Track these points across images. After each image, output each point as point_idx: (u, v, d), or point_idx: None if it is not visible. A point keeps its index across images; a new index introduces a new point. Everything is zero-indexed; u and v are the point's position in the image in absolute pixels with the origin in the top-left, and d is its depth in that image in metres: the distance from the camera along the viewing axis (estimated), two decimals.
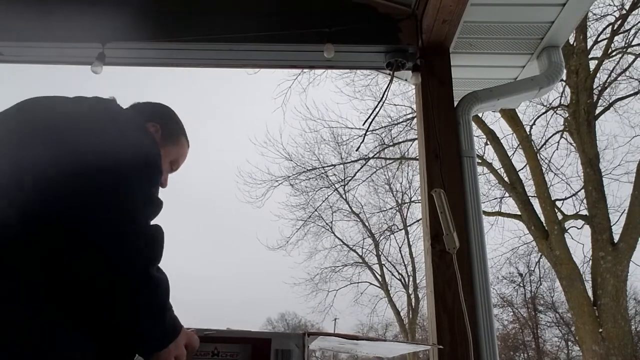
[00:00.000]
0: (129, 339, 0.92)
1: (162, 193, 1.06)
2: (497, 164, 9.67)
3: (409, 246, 17.71)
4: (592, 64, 8.68)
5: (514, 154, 9.62)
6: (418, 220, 15.00)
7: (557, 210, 8.62)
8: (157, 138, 1.23)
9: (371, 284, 18.59)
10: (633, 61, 9.16)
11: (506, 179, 9.12)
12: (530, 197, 8.78)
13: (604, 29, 8.87)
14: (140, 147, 1.01)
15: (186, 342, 0.98)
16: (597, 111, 8.73)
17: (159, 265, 0.94)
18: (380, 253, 18.11)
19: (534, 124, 9.84)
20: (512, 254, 14.48)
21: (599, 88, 8.94)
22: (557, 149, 9.81)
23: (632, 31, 8.84)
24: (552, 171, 9.77)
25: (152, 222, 0.97)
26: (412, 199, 15.79)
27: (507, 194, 9.92)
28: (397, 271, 18.67)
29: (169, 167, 1.31)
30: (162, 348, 0.92)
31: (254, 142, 18.88)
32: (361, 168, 13.11)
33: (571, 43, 8.30)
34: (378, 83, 10.77)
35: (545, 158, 9.76)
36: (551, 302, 20.22)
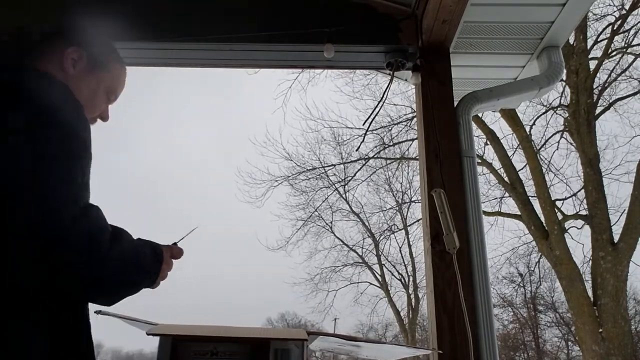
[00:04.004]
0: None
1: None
2: (497, 164, 9.69)
3: (409, 246, 17.74)
4: (592, 64, 8.69)
5: (514, 154, 9.64)
6: (418, 220, 15.01)
7: (557, 210, 8.62)
8: (81, 67, 1.06)
9: (371, 284, 18.62)
10: (633, 61, 9.18)
11: (506, 179, 9.12)
12: (530, 197, 8.79)
13: (604, 29, 8.89)
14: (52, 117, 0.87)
15: (171, 255, 1.04)
16: (597, 111, 8.74)
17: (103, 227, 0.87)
18: (380, 253, 18.13)
19: (534, 124, 9.86)
20: (512, 254, 14.46)
21: (599, 88, 8.95)
22: (557, 149, 9.84)
23: (632, 31, 8.87)
24: (552, 171, 9.79)
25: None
26: (412, 199, 15.81)
27: (507, 194, 9.93)
28: (397, 271, 18.70)
29: (105, 97, 1.14)
30: (156, 280, 0.98)
31: (254, 142, 18.88)
32: (361, 168, 13.13)
33: (571, 43, 8.30)
34: (377, 82, 10.79)
35: (545, 158, 9.78)
36: (551, 302, 20.23)
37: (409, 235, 17.24)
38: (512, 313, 21.23)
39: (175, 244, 1.10)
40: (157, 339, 1.11)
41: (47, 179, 0.81)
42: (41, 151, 0.82)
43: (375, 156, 12.48)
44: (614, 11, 8.77)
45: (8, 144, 0.82)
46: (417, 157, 3.07)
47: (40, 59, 1.03)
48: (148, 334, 1.10)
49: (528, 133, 9.23)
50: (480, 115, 8.80)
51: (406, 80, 2.65)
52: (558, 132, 9.79)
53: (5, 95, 0.88)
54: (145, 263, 0.95)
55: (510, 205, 10.27)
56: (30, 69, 0.99)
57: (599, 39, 8.87)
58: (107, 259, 0.83)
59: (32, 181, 0.80)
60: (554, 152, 9.90)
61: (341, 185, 14.39)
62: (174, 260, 1.05)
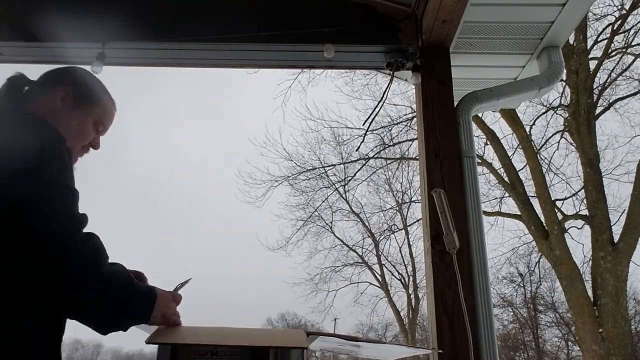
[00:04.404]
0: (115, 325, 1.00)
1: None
2: (497, 164, 9.68)
3: (409, 246, 17.74)
4: (592, 64, 8.68)
5: (514, 154, 9.63)
6: (418, 220, 15.01)
7: (557, 210, 8.62)
8: (68, 102, 1.21)
9: (371, 284, 18.61)
10: (633, 61, 9.17)
11: (506, 179, 9.12)
12: (530, 197, 8.78)
13: (604, 29, 8.88)
14: (32, 142, 0.98)
15: (172, 299, 1.11)
16: (597, 111, 8.74)
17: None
18: (380, 253, 18.12)
19: (534, 124, 9.85)
20: (512, 254, 14.44)
21: (599, 88, 8.95)
22: (557, 149, 9.83)
23: (632, 31, 8.86)
24: (552, 171, 9.78)
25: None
26: (412, 199, 15.81)
27: (507, 194, 9.92)
28: (397, 271, 18.69)
29: (93, 128, 1.27)
30: (148, 315, 1.03)
31: (254, 142, 18.87)
32: (361, 168, 13.13)
33: (571, 43, 8.29)
34: (377, 82, 10.78)
35: (545, 158, 9.77)
36: (551, 302, 20.24)
37: (409, 235, 17.25)
38: (512, 313, 21.25)
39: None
40: None
41: (51, 204, 0.93)
42: (39, 184, 0.93)
43: (375, 156, 12.48)
44: (614, 11, 8.78)
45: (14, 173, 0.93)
46: (417, 157, 3.07)
47: (33, 99, 1.19)
48: (147, 343, 1.10)
49: (528, 133, 9.23)
50: (480, 115, 8.81)
51: (406, 80, 2.65)
52: (558, 132, 9.80)
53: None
54: (138, 292, 1.03)
55: (510, 205, 10.27)
56: (19, 110, 1.13)
57: (599, 39, 8.87)
58: (105, 274, 0.95)
59: (40, 206, 0.91)
60: (554, 152, 9.90)
61: (341, 185, 14.39)
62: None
